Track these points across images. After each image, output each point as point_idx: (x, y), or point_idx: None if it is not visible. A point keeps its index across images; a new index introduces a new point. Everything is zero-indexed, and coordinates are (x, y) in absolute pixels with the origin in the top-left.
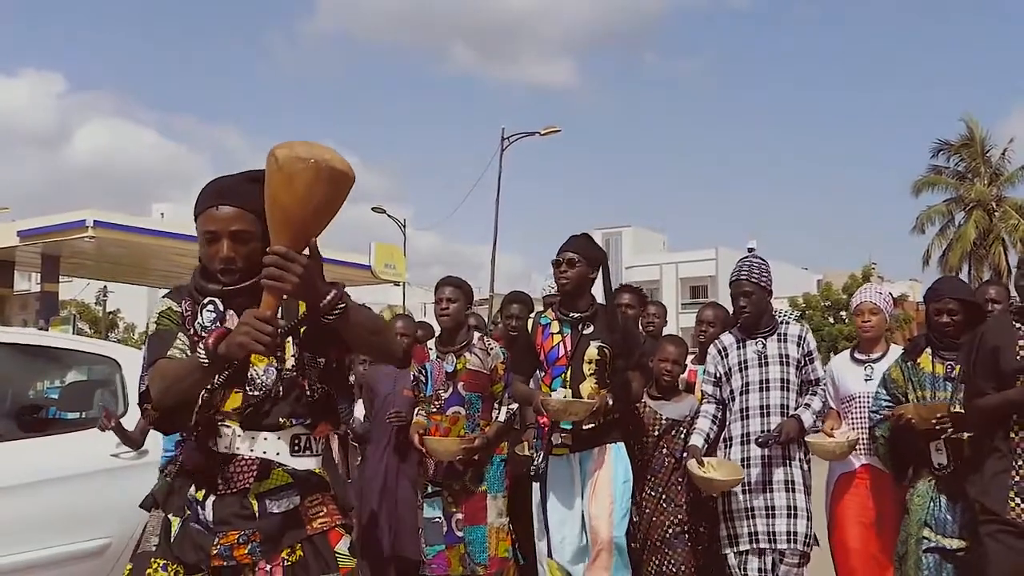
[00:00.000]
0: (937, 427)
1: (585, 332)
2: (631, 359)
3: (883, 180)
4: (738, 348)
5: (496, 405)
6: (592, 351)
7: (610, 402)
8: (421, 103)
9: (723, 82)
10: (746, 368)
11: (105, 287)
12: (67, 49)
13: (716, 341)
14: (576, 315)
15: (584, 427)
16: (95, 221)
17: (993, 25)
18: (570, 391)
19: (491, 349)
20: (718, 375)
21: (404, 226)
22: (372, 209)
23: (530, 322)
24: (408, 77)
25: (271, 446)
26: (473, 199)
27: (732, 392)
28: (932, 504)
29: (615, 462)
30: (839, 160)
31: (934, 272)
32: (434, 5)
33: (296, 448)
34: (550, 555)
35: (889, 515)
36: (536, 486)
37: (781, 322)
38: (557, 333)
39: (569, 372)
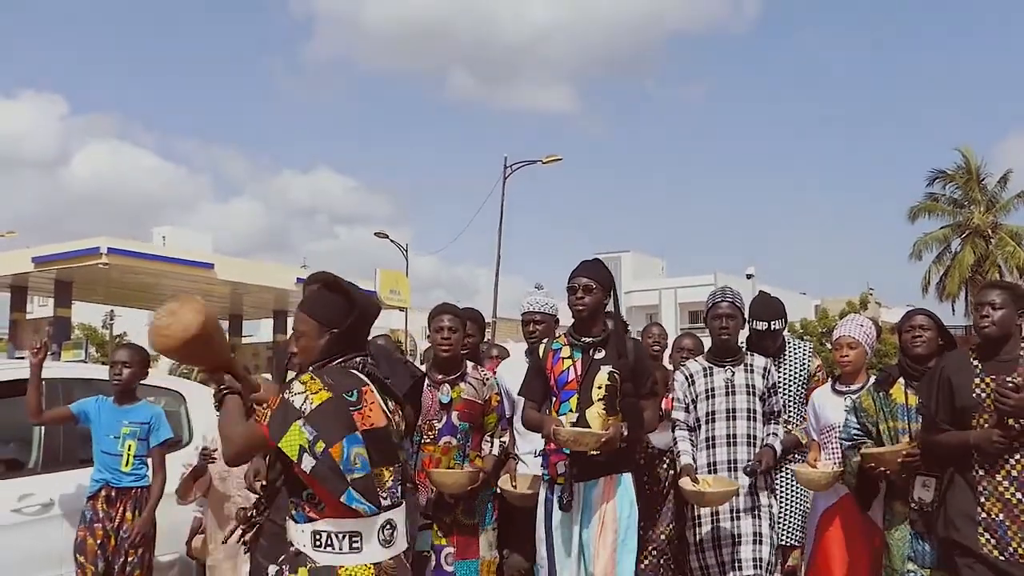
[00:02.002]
0: (904, 463)
1: (596, 357)
2: (643, 386)
3: (881, 207)
4: (705, 376)
5: (488, 438)
6: (602, 376)
7: (625, 432)
8: (421, 128)
9: (722, 108)
10: (713, 396)
11: (112, 311)
12: (69, 71)
13: (682, 368)
14: (588, 340)
15: (589, 454)
16: (109, 248)
17: (988, 53)
18: (576, 416)
19: (486, 379)
20: (687, 402)
21: (407, 251)
22: (375, 234)
23: (542, 347)
24: (408, 102)
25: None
26: (473, 222)
27: (698, 420)
28: (912, 538)
29: (621, 494)
30: (838, 186)
31: (932, 298)
32: (434, 31)
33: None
34: None
35: (871, 547)
36: (540, 519)
37: (747, 352)
38: (568, 358)
39: (578, 397)
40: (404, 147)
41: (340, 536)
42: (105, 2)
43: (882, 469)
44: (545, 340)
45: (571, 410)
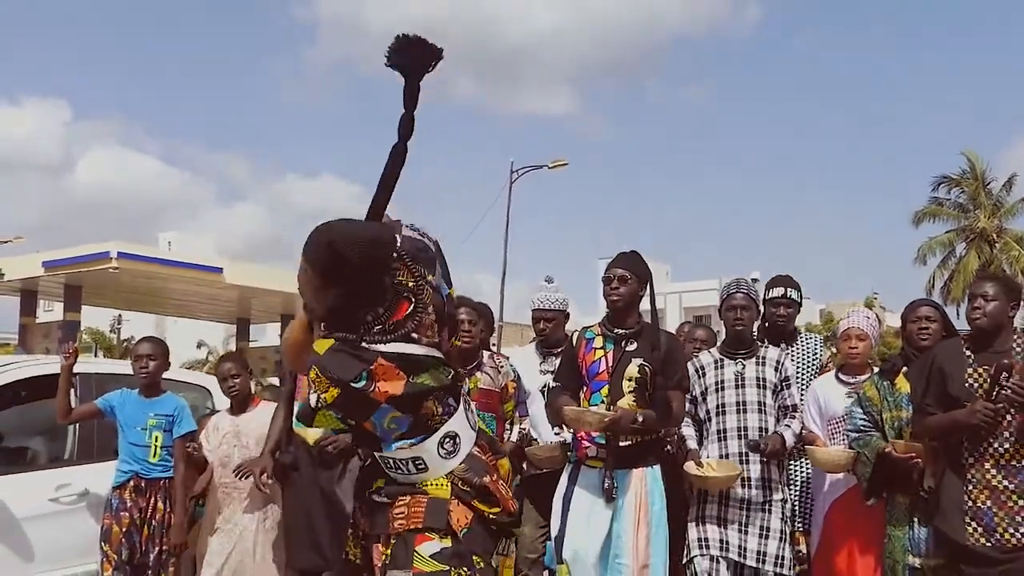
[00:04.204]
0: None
1: (628, 349)
2: (672, 379)
3: (885, 211)
4: (716, 368)
5: (508, 425)
6: (632, 368)
7: (640, 418)
8: (423, 132)
9: (725, 111)
10: (723, 389)
11: (119, 315)
12: (72, 77)
13: (694, 359)
14: (621, 331)
15: (621, 444)
16: (119, 252)
17: (993, 57)
18: (607, 407)
19: (501, 367)
20: (694, 395)
21: None
22: None
23: (575, 336)
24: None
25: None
26: (474, 225)
27: (708, 413)
28: (910, 529)
29: (652, 486)
30: (842, 190)
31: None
32: (436, 34)
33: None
34: (561, 560)
35: (881, 539)
36: (559, 495)
37: (761, 345)
38: (600, 348)
39: (609, 388)
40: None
41: (404, 462)
42: (107, 8)
43: (918, 459)
44: (579, 328)
45: (602, 401)
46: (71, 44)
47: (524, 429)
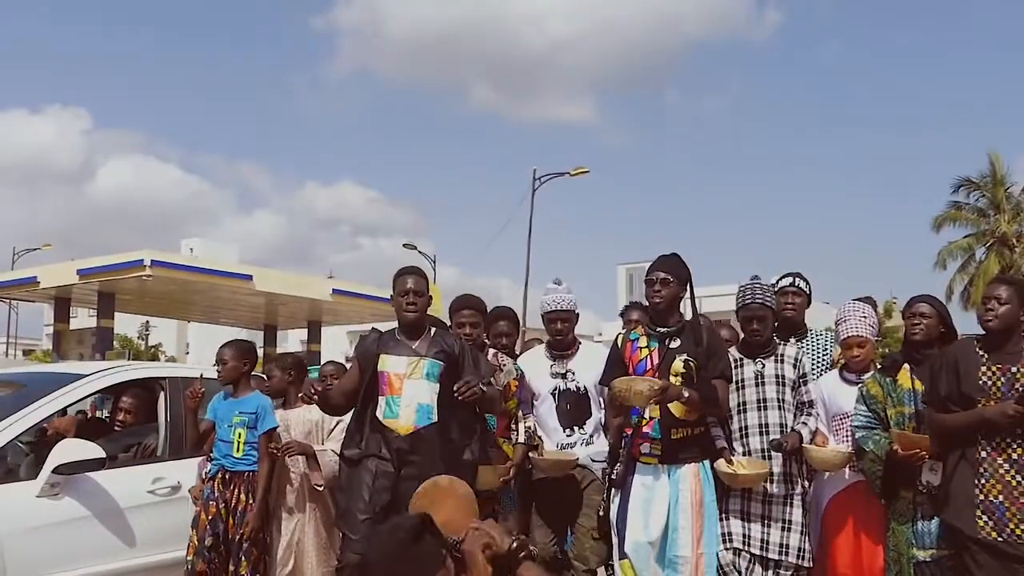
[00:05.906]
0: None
1: (672, 346)
2: (715, 369)
3: (905, 215)
4: (737, 367)
5: (512, 424)
6: (678, 364)
7: (686, 394)
8: (442, 140)
9: (744, 117)
10: (743, 387)
11: (147, 322)
12: (93, 86)
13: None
14: (664, 330)
15: (672, 437)
16: (152, 260)
17: (1014, 61)
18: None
19: (504, 366)
20: None
21: (435, 262)
22: (404, 245)
23: (620, 338)
24: (429, 115)
25: None
26: (493, 232)
27: (730, 411)
28: (914, 523)
29: (704, 480)
30: (861, 195)
31: (956, 308)
32: (455, 44)
33: None
34: (623, 556)
35: (883, 534)
36: (616, 495)
37: (778, 343)
38: (645, 347)
39: None
40: (424, 159)
41: None
42: (124, 18)
43: (923, 453)
44: (622, 331)
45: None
46: (91, 54)
47: (530, 427)
